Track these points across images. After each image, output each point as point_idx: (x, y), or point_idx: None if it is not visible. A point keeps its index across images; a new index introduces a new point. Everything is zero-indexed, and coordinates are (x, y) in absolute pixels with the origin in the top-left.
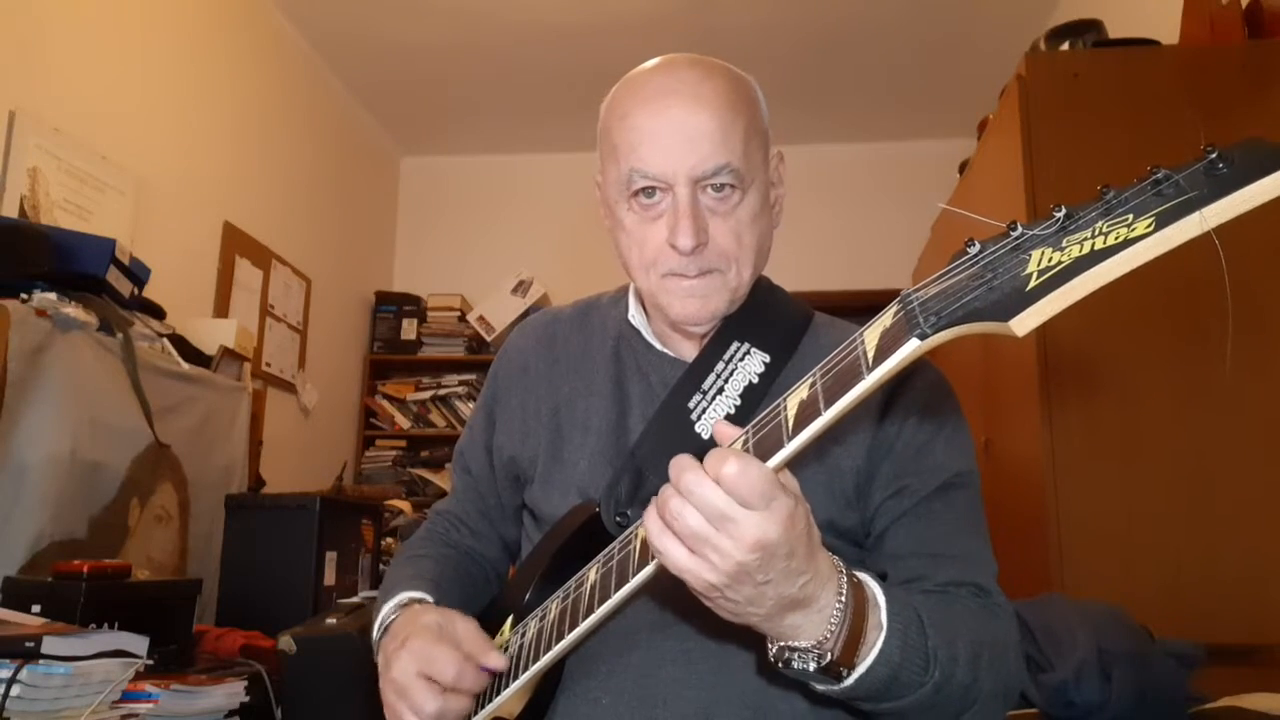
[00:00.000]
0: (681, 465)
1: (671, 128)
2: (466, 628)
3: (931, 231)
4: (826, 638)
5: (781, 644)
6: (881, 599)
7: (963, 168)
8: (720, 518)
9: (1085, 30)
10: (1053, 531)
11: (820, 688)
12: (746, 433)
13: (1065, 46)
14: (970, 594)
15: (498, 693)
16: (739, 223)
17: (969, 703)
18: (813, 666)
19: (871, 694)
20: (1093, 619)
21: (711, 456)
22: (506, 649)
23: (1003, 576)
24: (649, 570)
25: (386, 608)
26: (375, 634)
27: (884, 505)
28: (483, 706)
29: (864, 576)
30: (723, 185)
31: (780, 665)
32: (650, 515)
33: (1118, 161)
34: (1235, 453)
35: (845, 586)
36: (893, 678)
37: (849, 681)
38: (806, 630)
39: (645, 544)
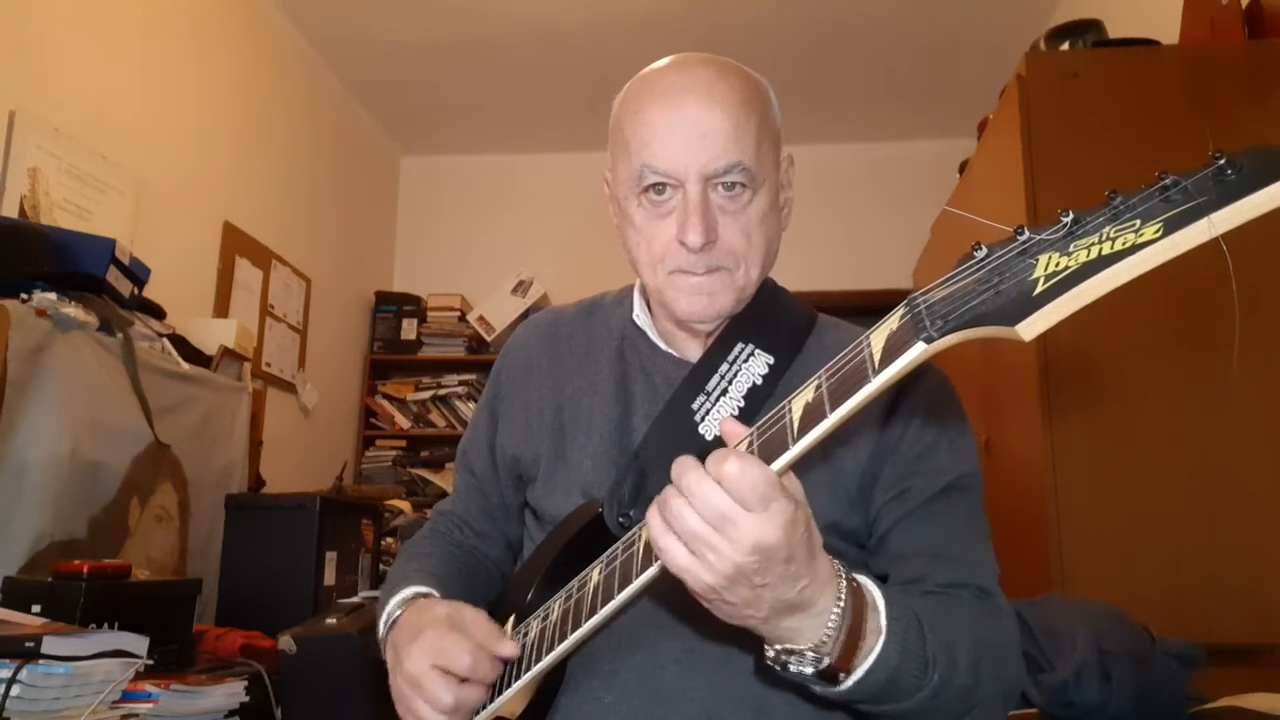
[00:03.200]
0: (684, 465)
1: (685, 124)
2: (475, 617)
3: (931, 232)
4: (824, 641)
5: (779, 647)
6: (880, 602)
7: (963, 168)
8: (720, 519)
9: (1085, 30)
10: (1053, 531)
11: (819, 690)
12: (751, 434)
13: (1065, 46)
14: (972, 595)
15: (500, 692)
16: (749, 221)
17: (969, 706)
18: (810, 670)
19: (869, 697)
20: (1093, 619)
21: (713, 457)
22: None
23: (1003, 577)
24: (653, 571)
25: (392, 603)
26: (381, 629)
27: (886, 506)
28: (485, 706)
29: (863, 580)
30: (734, 183)
31: (778, 668)
32: (653, 514)
33: (1118, 161)
34: (1235, 453)
35: (844, 591)
36: (891, 681)
37: (847, 685)
38: (804, 634)
39: (650, 544)
